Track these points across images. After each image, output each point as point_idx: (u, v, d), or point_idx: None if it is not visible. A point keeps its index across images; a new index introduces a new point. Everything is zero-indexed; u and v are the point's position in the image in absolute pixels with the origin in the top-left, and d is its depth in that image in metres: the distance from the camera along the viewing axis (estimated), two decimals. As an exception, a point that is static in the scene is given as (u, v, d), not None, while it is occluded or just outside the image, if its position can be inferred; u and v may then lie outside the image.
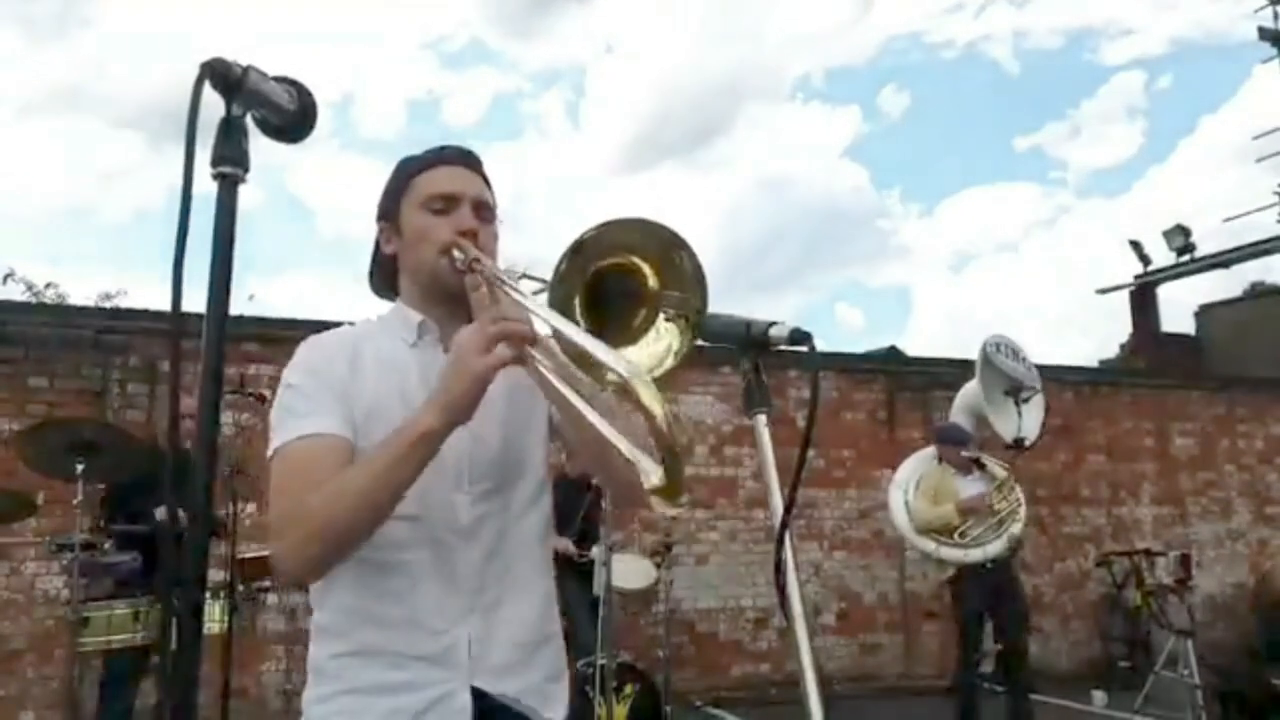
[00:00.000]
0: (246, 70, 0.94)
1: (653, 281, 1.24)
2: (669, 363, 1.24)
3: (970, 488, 5.51)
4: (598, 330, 1.21)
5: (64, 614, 4.48)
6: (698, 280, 1.22)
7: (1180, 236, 14.17)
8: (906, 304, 44.59)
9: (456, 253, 1.42)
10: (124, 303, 12.24)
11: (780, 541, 1.06)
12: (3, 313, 6.64)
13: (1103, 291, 15.44)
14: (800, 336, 1.13)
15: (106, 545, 4.38)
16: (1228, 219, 14.46)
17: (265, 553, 4.34)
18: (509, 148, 46.48)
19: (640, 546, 6.52)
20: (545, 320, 1.19)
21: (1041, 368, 6.17)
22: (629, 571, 5.50)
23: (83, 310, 8.32)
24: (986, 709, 5.35)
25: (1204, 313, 15.31)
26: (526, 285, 1.36)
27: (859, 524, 8.37)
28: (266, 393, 4.65)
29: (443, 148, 1.54)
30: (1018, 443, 5.87)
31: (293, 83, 1.02)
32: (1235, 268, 14.56)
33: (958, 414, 6.16)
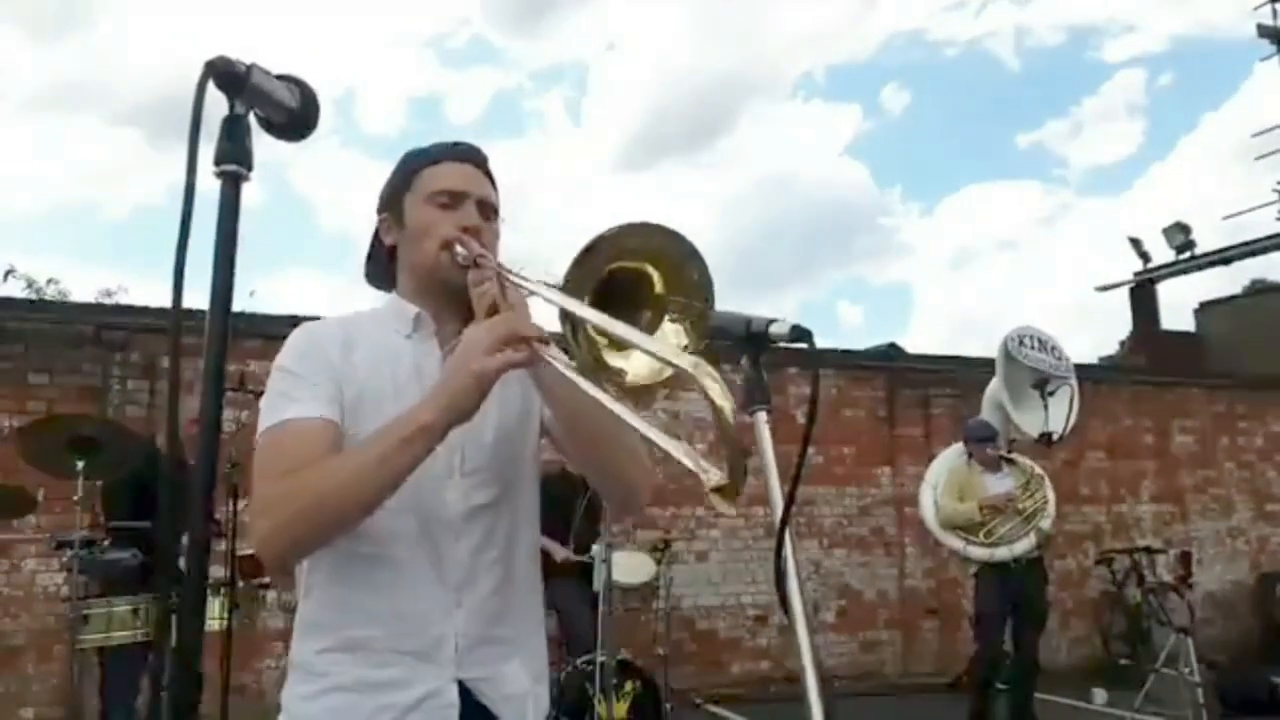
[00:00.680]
0: (250, 68, 0.94)
1: (660, 287, 1.23)
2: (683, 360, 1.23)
3: (998, 485, 5.48)
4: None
5: (64, 611, 4.47)
6: (704, 289, 1.22)
7: (1180, 234, 14.15)
8: (907, 301, 44.62)
9: (458, 249, 1.41)
10: (125, 299, 12.24)
11: (780, 539, 1.06)
12: (3, 309, 6.63)
13: (1103, 289, 15.43)
14: (800, 334, 1.13)
15: (105, 542, 4.38)
16: (1227, 216, 14.45)
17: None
18: (511, 145, 46.57)
19: (638, 541, 6.53)
20: (575, 311, 1.16)
21: (1042, 366, 6.15)
22: (628, 567, 5.51)
23: (83, 307, 8.32)
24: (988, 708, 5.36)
25: (1204, 310, 15.31)
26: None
27: (859, 521, 8.37)
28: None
29: (453, 144, 1.53)
30: (1045, 437, 5.81)
31: (295, 81, 1.02)
32: (1235, 265, 14.55)
33: (988, 410, 6.12)
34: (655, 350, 1.10)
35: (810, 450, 1.28)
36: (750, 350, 1.18)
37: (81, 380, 6.29)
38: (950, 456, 5.91)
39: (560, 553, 5.23)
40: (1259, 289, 15.37)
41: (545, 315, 1.28)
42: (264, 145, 0.99)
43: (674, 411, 7.70)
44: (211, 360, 0.90)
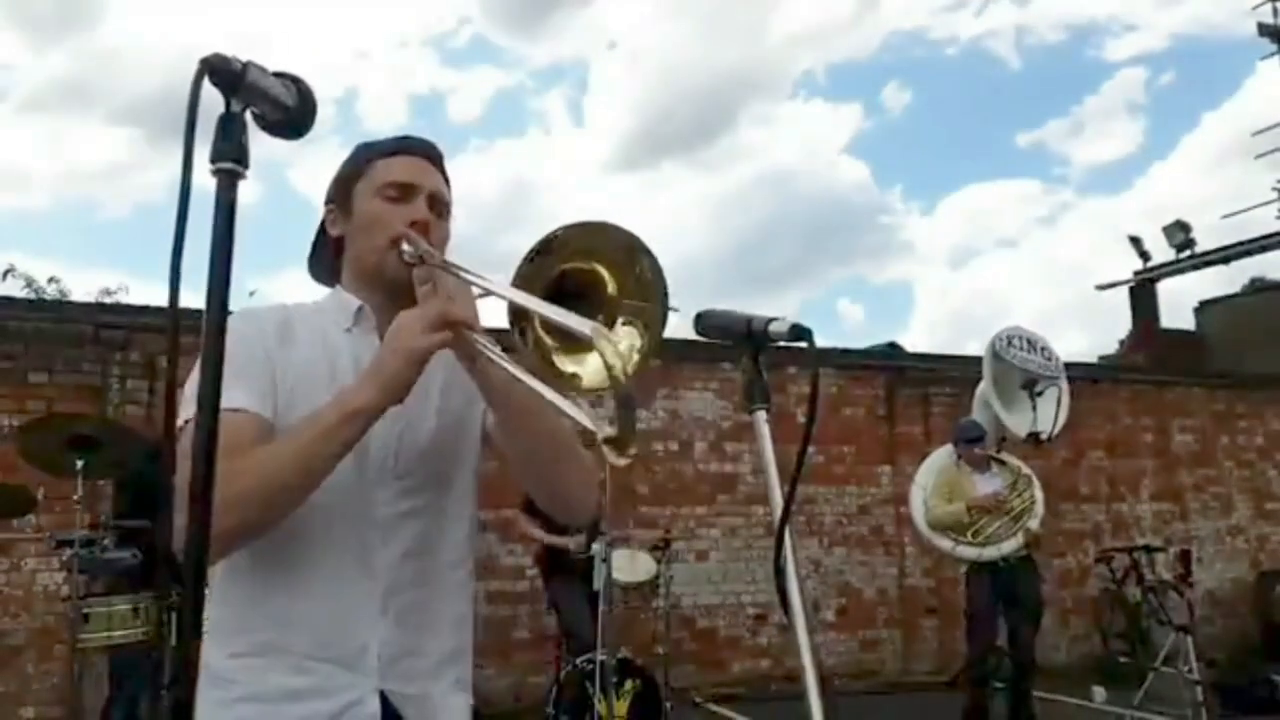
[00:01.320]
0: (246, 66, 0.94)
1: (611, 288, 1.24)
2: (634, 360, 1.22)
3: (986, 485, 5.50)
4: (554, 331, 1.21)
5: (64, 610, 4.47)
6: (658, 286, 1.22)
7: (1180, 232, 14.15)
8: (908, 300, 44.51)
9: (405, 245, 1.38)
10: (124, 298, 12.20)
11: (780, 538, 1.06)
12: (3, 308, 6.62)
13: (1102, 287, 15.42)
14: (800, 332, 1.13)
15: (106, 541, 4.38)
16: (1227, 215, 14.44)
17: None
18: (511, 144, 46.43)
19: (638, 540, 6.54)
20: (505, 295, 1.18)
21: (1041, 364, 6.16)
22: (628, 566, 5.51)
23: (83, 306, 8.31)
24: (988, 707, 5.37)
25: (1204, 309, 15.28)
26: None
27: (858, 520, 8.37)
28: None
29: (405, 137, 1.50)
30: (1033, 437, 5.83)
31: (292, 78, 1.01)
32: (1235, 263, 14.55)
33: (978, 411, 6.14)
34: (557, 319, 1.13)
35: (810, 449, 1.28)
36: (750, 349, 1.18)
37: (81, 379, 6.28)
38: (939, 457, 5.93)
39: (568, 544, 5.15)
40: (1259, 288, 15.32)
41: (497, 319, 1.29)
42: (265, 146, 0.99)
43: (673, 411, 7.72)
44: (210, 359, 0.89)
